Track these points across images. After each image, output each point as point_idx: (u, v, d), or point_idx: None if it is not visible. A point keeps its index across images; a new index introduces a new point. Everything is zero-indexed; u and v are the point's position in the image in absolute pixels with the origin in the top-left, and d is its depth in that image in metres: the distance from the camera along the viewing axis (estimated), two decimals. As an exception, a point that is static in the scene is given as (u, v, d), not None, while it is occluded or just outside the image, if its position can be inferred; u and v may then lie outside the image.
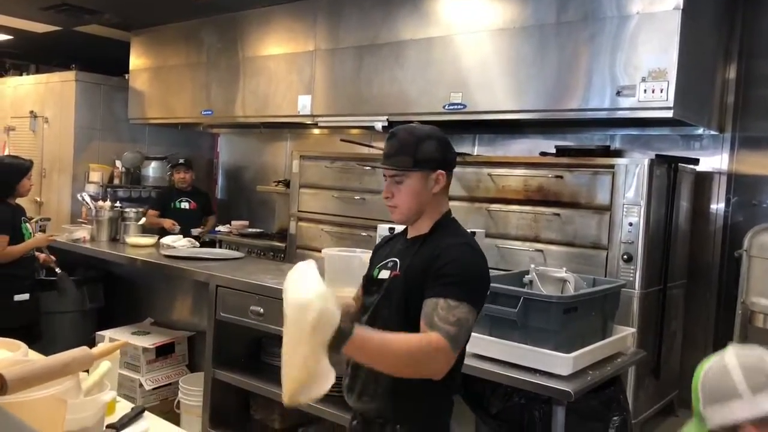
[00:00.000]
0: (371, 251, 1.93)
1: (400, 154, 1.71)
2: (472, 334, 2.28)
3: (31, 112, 6.87)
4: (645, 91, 3.43)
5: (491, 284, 2.18)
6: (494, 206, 4.02)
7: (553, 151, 4.11)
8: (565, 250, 3.72)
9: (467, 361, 2.30)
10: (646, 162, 3.44)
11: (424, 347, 1.48)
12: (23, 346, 1.53)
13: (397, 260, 1.76)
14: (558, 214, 3.76)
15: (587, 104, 3.67)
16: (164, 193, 5.79)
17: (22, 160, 3.87)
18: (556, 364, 2.11)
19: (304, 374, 1.32)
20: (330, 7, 4.91)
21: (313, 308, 1.29)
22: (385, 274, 1.76)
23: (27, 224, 3.79)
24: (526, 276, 2.46)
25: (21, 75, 7.59)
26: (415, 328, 1.57)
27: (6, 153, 6.75)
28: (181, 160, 5.69)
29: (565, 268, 2.46)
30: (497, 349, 2.25)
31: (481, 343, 2.31)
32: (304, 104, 5.04)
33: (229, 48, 5.62)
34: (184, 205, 5.54)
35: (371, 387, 1.69)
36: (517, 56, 3.94)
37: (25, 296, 3.68)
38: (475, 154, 4.84)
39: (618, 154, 4.13)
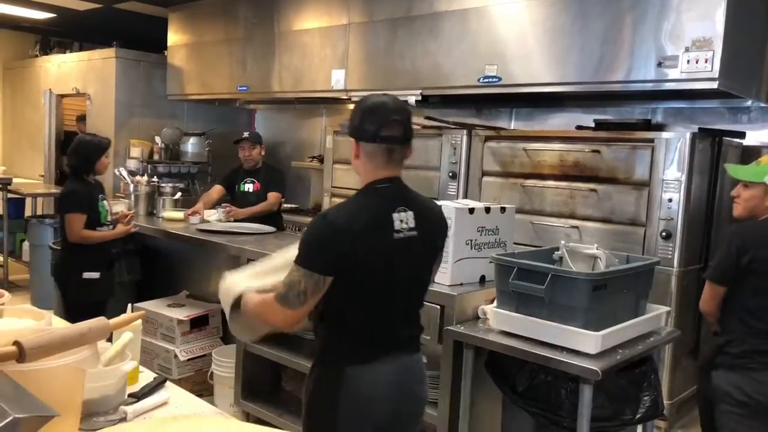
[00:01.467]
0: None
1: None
2: (499, 310, 2.27)
3: (75, 89, 7.02)
4: (689, 61, 3.28)
5: (519, 260, 2.15)
6: (529, 182, 3.94)
7: (592, 124, 3.99)
8: (601, 227, 3.63)
9: (493, 337, 2.29)
10: (687, 136, 3.31)
11: (261, 304, 1.82)
12: (47, 315, 1.56)
13: None
14: (595, 190, 3.66)
15: (630, 76, 3.54)
16: (232, 172, 4.98)
17: (100, 138, 3.83)
18: (584, 342, 2.06)
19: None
20: (364, -20, 4.85)
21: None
22: None
23: (104, 202, 3.75)
24: (555, 252, 2.40)
25: (65, 53, 7.74)
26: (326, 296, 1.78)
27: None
28: (245, 134, 4.92)
29: (596, 245, 2.39)
30: (524, 326, 2.21)
31: (507, 320, 2.27)
32: (337, 79, 5.01)
33: (264, 22, 5.61)
34: (248, 186, 4.77)
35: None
36: (555, 27, 3.81)
37: (95, 274, 3.64)
38: (512, 127, 4.74)
39: (660, 128, 3.98)
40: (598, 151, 3.66)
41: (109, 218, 3.75)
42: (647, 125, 3.87)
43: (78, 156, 3.66)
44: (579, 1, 3.69)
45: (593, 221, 3.66)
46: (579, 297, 2.06)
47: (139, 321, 1.62)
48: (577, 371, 2.03)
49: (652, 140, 3.42)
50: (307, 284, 1.73)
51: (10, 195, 5.80)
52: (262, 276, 1.94)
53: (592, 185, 3.67)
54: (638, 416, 2.15)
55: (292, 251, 1.82)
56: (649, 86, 3.53)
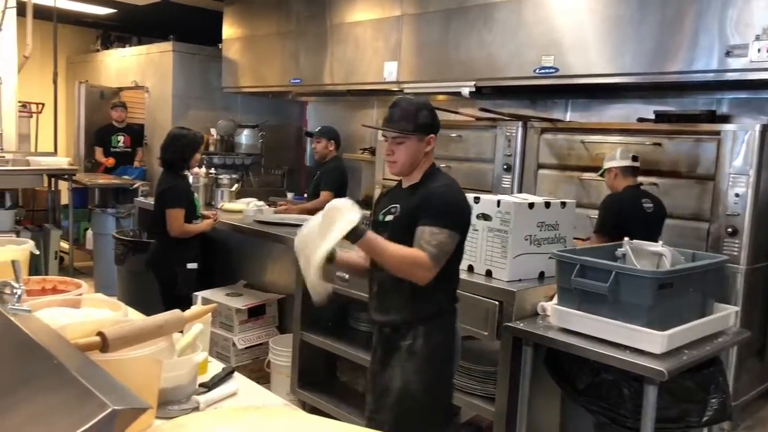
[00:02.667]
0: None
1: (402, 120, 2.09)
2: (560, 307, 2.24)
3: (134, 82, 7.22)
4: (759, 50, 3.15)
5: (581, 257, 2.12)
6: (587, 175, 3.86)
7: (652, 116, 3.88)
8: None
9: (554, 334, 2.26)
10: (757, 128, 3.18)
11: (409, 257, 1.97)
12: (123, 306, 1.62)
13: (398, 206, 2.15)
14: (656, 184, 3.57)
15: (692, 66, 3.43)
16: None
17: (194, 132, 3.92)
18: (649, 341, 2.02)
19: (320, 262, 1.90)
20: (417, -30, 4.82)
21: (342, 207, 1.91)
22: (389, 218, 2.16)
23: (197, 196, 3.89)
24: (618, 249, 2.35)
25: (124, 47, 7.96)
26: None
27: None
28: (318, 128, 5.04)
29: (661, 242, 2.33)
30: (586, 323, 2.18)
31: (569, 318, 2.24)
32: (390, 71, 5.00)
33: (317, 15, 5.64)
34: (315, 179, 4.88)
35: (395, 301, 2.12)
36: (614, 16, 3.72)
37: (195, 265, 3.78)
38: (568, 119, 4.65)
39: (725, 119, 3.84)
40: (659, 144, 3.56)
41: (200, 212, 3.89)
42: (712, 117, 3.74)
43: (174, 151, 3.74)
44: (641, -11, 3.58)
45: (654, 216, 3.56)
46: (644, 295, 2.02)
47: (209, 313, 1.66)
48: (641, 371, 1.99)
49: (718, 132, 3.30)
50: (452, 245, 2.01)
51: (74, 185, 6.01)
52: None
53: (652, 179, 3.57)
54: (705, 419, 2.10)
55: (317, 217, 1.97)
56: (710, 76, 3.41)
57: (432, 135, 2.14)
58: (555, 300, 2.35)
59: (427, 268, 1.96)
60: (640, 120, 3.84)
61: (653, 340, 2.01)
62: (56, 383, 0.86)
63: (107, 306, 1.61)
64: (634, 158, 3.41)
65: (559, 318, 2.26)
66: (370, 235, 1.95)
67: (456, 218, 2.05)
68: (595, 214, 3.75)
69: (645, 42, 3.58)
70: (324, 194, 4.61)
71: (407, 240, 2.03)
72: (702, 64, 3.39)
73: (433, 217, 1.99)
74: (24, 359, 0.96)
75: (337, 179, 4.74)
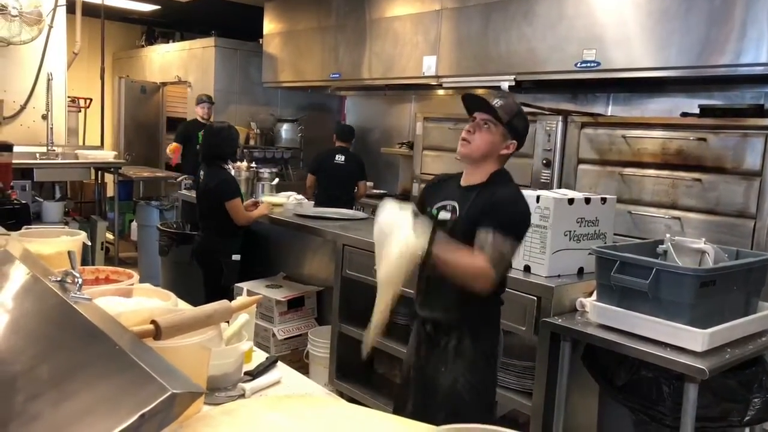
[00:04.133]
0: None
1: (501, 109, 2.03)
2: (599, 303, 2.24)
3: (177, 77, 7.38)
4: (809, 43, 3.06)
5: (621, 253, 2.11)
6: (628, 170, 3.81)
7: (696, 110, 3.80)
8: (705, 219, 3.47)
9: (593, 330, 2.26)
10: (806, 123, 3.10)
11: (471, 268, 1.91)
12: (172, 296, 1.68)
13: (456, 204, 2.08)
14: (699, 180, 3.50)
15: (739, 59, 3.35)
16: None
17: (231, 125, 4.09)
18: (690, 339, 2.00)
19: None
20: (457, -37, 4.81)
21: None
22: (445, 215, 2.09)
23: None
24: (660, 246, 2.33)
25: (168, 42, 8.14)
26: None
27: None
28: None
29: (704, 239, 2.30)
30: (626, 320, 2.17)
31: (608, 314, 2.23)
32: (429, 65, 5.01)
33: (356, 10, 5.68)
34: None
35: (442, 300, 2.09)
36: (658, 9, 3.66)
37: (239, 256, 3.90)
38: (609, 113, 4.59)
39: (773, 113, 3.74)
40: (704, 139, 3.49)
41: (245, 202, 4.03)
42: (759, 110, 3.65)
43: (218, 145, 3.89)
44: (687, -19, 3.51)
45: (696, 212, 3.50)
46: (685, 293, 2.00)
47: (254, 305, 1.71)
48: (682, 369, 1.98)
49: (766, 127, 3.22)
50: (513, 255, 2.03)
51: (120, 178, 6.20)
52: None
53: (696, 174, 3.50)
54: (747, 418, 2.07)
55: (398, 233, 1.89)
56: (759, 70, 3.34)
57: (515, 142, 2.09)
58: (594, 296, 2.34)
59: (488, 278, 1.92)
60: (684, 115, 3.77)
61: (694, 338, 1.99)
62: (118, 367, 0.91)
63: (157, 296, 1.67)
64: None
65: (599, 314, 2.26)
66: (442, 246, 1.92)
67: (521, 228, 2.03)
68: (637, 210, 3.72)
69: (690, 35, 3.51)
70: (363, 185, 5.52)
71: (465, 242, 1.99)
72: (750, 57, 3.32)
73: (501, 225, 1.94)
74: (87, 345, 1.02)
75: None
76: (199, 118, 6.38)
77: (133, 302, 1.60)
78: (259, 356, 1.80)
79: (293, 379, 1.70)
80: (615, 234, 3.59)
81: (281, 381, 1.65)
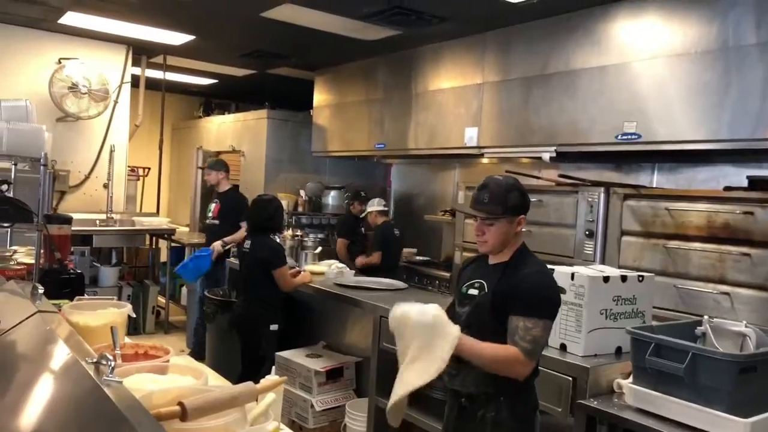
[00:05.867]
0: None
1: (491, 202, 2.11)
2: (635, 386, 2.19)
3: (231, 146, 7.71)
4: None
5: (657, 335, 2.07)
6: (673, 243, 3.73)
7: (743, 181, 3.73)
8: (756, 294, 3.34)
9: (629, 415, 2.19)
10: None
11: (504, 358, 1.96)
12: (205, 373, 1.74)
13: (484, 282, 2.16)
14: (748, 254, 3.40)
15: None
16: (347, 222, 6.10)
17: (277, 198, 4.36)
18: (730, 428, 1.92)
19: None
20: (498, 40, 4.95)
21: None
22: (473, 292, 2.18)
23: None
24: (698, 328, 2.27)
25: (224, 114, 8.55)
26: (501, 334, 2.02)
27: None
28: (362, 193, 6.07)
29: (745, 322, 2.23)
30: (663, 405, 2.10)
31: (645, 398, 2.17)
32: (470, 136, 5.11)
33: (401, 84, 5.88)
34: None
35: (476, 375, 2.09)
36: (699, 83, 3.68)
37: (277, 326, 3.97)
38: (654, 184, 4.54)
39: (826, 186, 3.64)
40: (751, 213, 3.41)
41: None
42: (809, 183, 3.55)
43: (277, 216, 4.12)
44: (725, 57, 3.53)
45: (747, 287, 3.39)
46: (724, 379, 1.93)
47: (282, 383, 1.75)
48: (723, 460, 1.90)
49: (815, 201, 3.14)
50: (547, 336, 2.05)
51: (173, 244, 6.44)
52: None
53: (744, 248, 3.41)
54: None
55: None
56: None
57: (522, 216, 2.16)
58: (631, 378, 2.29)
59: (523, 365, 1.97)
60: (727, 188, 3.70)
61: (735, 427, 1.91)
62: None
63: (190, 373, 1.74)
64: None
65: (635, 398, 2.19)
66: (465, 344, 1.95)
67: (550, 307, 2.05)
68: (684, 284, 3.62)
69: (734, 108, 3.50)
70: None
71: (490, 321, 2.06)
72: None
73: (527, 308, 1.99)
74: (111, 429, 1.08)
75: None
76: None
77: (166, 380, 1.67)
78: (288, 435, 1.82)
79: (318, 459, 1.71)
80: (662, 309, 3.51)
81: (306, 462, 1.67)
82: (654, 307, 3.09)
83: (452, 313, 2.20)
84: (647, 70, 3.94)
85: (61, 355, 1.45)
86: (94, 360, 1.35)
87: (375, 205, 5.81)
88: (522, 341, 1.96)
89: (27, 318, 1.73)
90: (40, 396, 1.30)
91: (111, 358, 1.35)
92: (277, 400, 1.75)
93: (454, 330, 1.94)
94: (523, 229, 2.19)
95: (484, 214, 2.12)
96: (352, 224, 6.00)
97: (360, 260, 5.65)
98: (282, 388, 1.81)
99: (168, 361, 1.86)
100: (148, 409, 1.20)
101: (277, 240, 4.27)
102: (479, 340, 1.99)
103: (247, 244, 4.11)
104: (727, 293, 3.44)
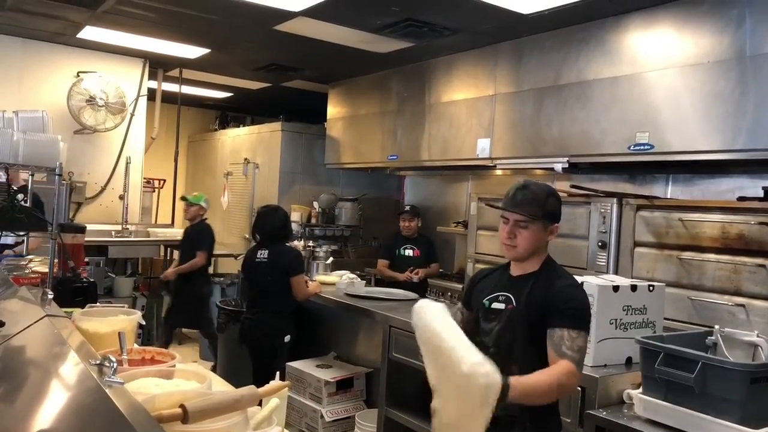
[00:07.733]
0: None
1: (530, 204, 2.01)
2: (645, 397, 2.16)
3: (245, 158, 7.77)
4: None
5: (666, 344, 2.05)
6: (686, 254, 3.69)
7: (760, 191, 3.68)
8: (772, 306, 3.29)
9: (639, 426, 2.17)
10: None
11: (564, 377, 1.84)
12: (208, 378, 1.74)
13: (510, 295, 2.06)
14: (763, 266, 3.35)
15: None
16: (390, 240, 5.69)
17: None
18: (743, 440, 1.89)
19: None
20: (510, 51, 4.96)
21: (487, 384, 1.63)
22: (499, 306, 2.07)
23: None
24: (709, 338, 2.24)
25: (239, 126, 8.63)
26: (538, 350, 1.94)
27: (225, 195, 7.70)
28: (407, 208, 5.72)
29: (756, 332, 2.19)
30: (673, 415, 2.07)
31: (654, 408, 2.14)
32: (483, 147, 5.11)
33: (414, 96, 5.90)
34: (408, 252, 5.47)
35: None
36: (713, 92, 3.65)
37: (289, 337, 3.96)
38: (669, 195, 4.51)
39: (843, 196, 3.58)
40: (766, 224, 3.37)
41: None
42: (826, 194, 3.50)
43: (288, 224, 4.21)
44: (740, 66, 3.50)
45: (763, 299, 3.33)
46: (734, 389, 1.90)
47: (286, 389, 1.75)
48: (734, 472, 1.86)
49: (831, 212, 3.09)
50: (587, 347, 2.00)
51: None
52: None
53: (759, 260, 3.36)
54: None
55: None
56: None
57: (557, 224, 2.08)
58: (641, 388, 2.25)
59: (576, 377, 1.90)
60: (741, 199, 3.66)
61: (747, 438, 1.88)
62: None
63: (195, 378, 1.74)
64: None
65: (645, 408, 2.16)
66: (517, 389, 1.70)
67: (589, 319, 2.00)
68: (698, 296, 3.58)
69: (753, 117, 3.46)
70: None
71: (523, 336, 1.98)
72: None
73: (571, 320, 1.92)
74: (111, 429, 1.09)
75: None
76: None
77: (170, 384, 1.67)
78: (291, 441, 1.81)
79: (322, 466, 1.70)
80: (676, 321, 3.47)
81: (309, 468, 1.66)
82: (668, 319, 3.05)
83: (475, 329, 2.08)
84: (660, 80, 3.92)
85: (65, 357, 1.46)
86: (97, 362, 1.37)
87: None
88: (570, 351, 1.89)
89: (35, 322, 1.76)
90: (43, 396, 1.32)
91: (113, 360, 1.36)
92: (281, 406, 1.75)
93: (495, 385, 1.63)
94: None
95: (522, 215, 2.01)
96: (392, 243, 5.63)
97: (422, 272, 5.34)
98: (286, 394, 1.81)
99: (174, 366, 1.87)
100: (150, 412, 1.21)
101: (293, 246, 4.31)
102: (520, 374, 1.78)
103: (262, 254, 4.04)
104: (742, 305, 3.39)
